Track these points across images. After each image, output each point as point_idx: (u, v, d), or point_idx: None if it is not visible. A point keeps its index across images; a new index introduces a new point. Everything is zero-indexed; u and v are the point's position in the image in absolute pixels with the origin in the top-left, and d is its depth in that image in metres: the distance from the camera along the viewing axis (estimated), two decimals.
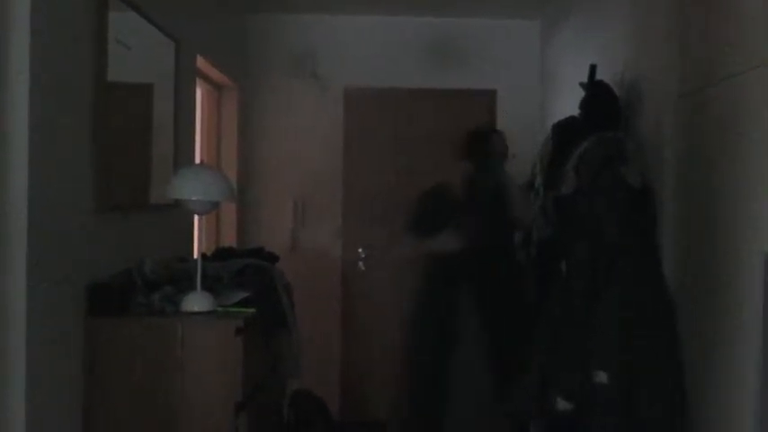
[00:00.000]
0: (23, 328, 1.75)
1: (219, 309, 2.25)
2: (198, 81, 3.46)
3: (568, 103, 2.92)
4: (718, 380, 1.78)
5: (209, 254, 2.96)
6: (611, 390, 1.92)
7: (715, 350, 1.80)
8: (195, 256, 2.95)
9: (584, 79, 2.57)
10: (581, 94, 2.55)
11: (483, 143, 3.12)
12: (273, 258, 3.01)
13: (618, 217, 2.02)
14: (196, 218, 3.36)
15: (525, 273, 2.99)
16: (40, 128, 1.79)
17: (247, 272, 2.59)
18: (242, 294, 2.40)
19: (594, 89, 2.50)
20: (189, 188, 2.26)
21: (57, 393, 1.95)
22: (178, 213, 2.78)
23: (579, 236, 2.09)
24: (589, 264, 2.03)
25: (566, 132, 2.61)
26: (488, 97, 4.31)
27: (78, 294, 2.06)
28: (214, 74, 3.80)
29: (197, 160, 3.35)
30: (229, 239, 4.06)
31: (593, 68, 2.56)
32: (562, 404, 2.03)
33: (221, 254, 2.98)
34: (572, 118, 2.63)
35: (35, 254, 1.78)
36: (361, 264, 4.26)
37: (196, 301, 2.22)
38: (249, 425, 2.17)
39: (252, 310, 2.29)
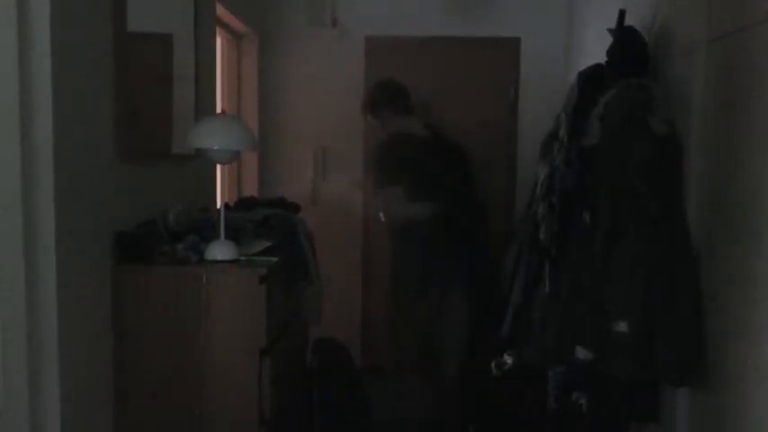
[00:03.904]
0: (54, 275, 1.79)
1: (243, 257, 2.28)
2: (218, 30, 3.43)
3: (595, 51, 2.85)
4: (740, 328, 1.78)
5: (231, 204, 2.98)
6: (630, 337, 1.93)
7: (738, 300, 1.80)
8: (218, 205, 2.98)
9: (612, 25, 2.50)
10: (608, 41, 2.48)
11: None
12: (295, 208, 3.02)
13: (643, 167, 1.99)
14: (218, 168, 3.39)
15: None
16: (63, 79, 1.80)
17: (270, 221, 2.62)
18: (265, 243, 2.43)
19: (623, 35, 2.43)
20: (210, 137, 2.27)
21: (87, 339, 2.00)
22: (200, 163, 2.80)
23: (603, 186, 2.07)
24: (612, 214, 2.01)
25: (591, 81, 2.55)
26: (512, 45, 4.23)
27: (105, 243, 2.10)
28: (234, 22, 3.76)
29: (218, 110, 3.35)
30: (250, 190, 4.08)
31: (622, 13, 2.48)
32: (582, 353, 2.05)
33: (244, 203, 3.00)
34: (598, 66, 2.57)
35: (63, 202, 1.81)
36: (381, 214, 4.26)
37: (220, 250, 2.25)
38: (273, 370, 2.22)
39: (274, 258, 2.32)
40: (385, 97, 3.40)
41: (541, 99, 3.98)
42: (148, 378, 2.17)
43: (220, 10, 3.34)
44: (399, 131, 3.35)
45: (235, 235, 2.38)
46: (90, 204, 2.00)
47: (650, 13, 2.53)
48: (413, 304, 3.27)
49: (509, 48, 4.22)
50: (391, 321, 3.49)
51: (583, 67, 2.67)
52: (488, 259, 3.39)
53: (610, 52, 2.45)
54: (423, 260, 3.25)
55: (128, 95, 2.19)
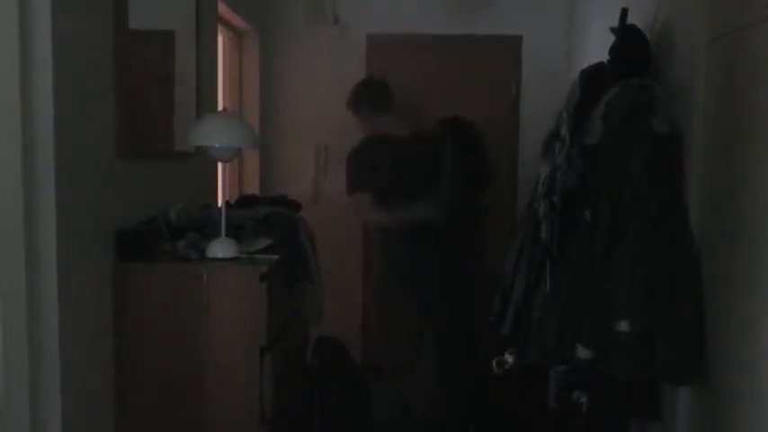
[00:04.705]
0: (54, 274, 1.79)
1: (243, 255, 2.28)
2: (219, 28, 3.42)
3: (596, 50, 2.85)
4: (740, 328, 1.78)
5: (232, 202, 2.98)
6: (631, 336, 1.93)
7: (738, 300, 1.80)
8: (219, 203, 2.98)
9: (614, 23, 2.49)
10: (610, 39, 2.47)
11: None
12: (296, 206, 3.02)
13: (644, 166, 1.99)
14: (219, 166, 3.38)
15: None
16: (63, 78, 1.80)
17: (271, 220, 2.61)
18: (266, 241, 2.43)
19: (625, 34, 2.42)
20: (212, 135, 2.27)
21: (87, 339, 2.00)
22: (201, 161, 2.80)
23: (604, 185, 2.07)
24: (612, 213, 2.01)
25: (593, 80, 2.55)
26: (513, 43, 4.22)
27: (107, 240, 2.10)
28: (235, 20, 3.75)
29: (219, 107, 3.35)
30: (252, 188, 4.08)
31: (624, 12, 2.48)
32: (583, 352, 2.05)
33: (245, 201, 3.00)
34: (600, 64, 2.57)
35: (63, 200, 1.81)
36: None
37: (220, 248, 2.25)
38: (273, 369, 2.22)
39: (275, 257, 2.32)
40: (365, 98, 3.34)
41: (543, 98, 3.97)
42: (148, 378, 2.17)
43: (221, 7, 3.33)
44: (377, 132, 3.28)
45: (236, 233, 2.38)
46: (91, 203, 2.00)
47: (652, 12, 2.52)
48: (402, 304, 3.22)
49: (510, 46, 4.21)
50: (381, 323, 3.46)
51: (585, 65, 2.66)
52: (473, 267, 3.40)
53: (612, 51, 2.44)
54: (410, 260, 3.18)
55: (128, 94, 2.19)
